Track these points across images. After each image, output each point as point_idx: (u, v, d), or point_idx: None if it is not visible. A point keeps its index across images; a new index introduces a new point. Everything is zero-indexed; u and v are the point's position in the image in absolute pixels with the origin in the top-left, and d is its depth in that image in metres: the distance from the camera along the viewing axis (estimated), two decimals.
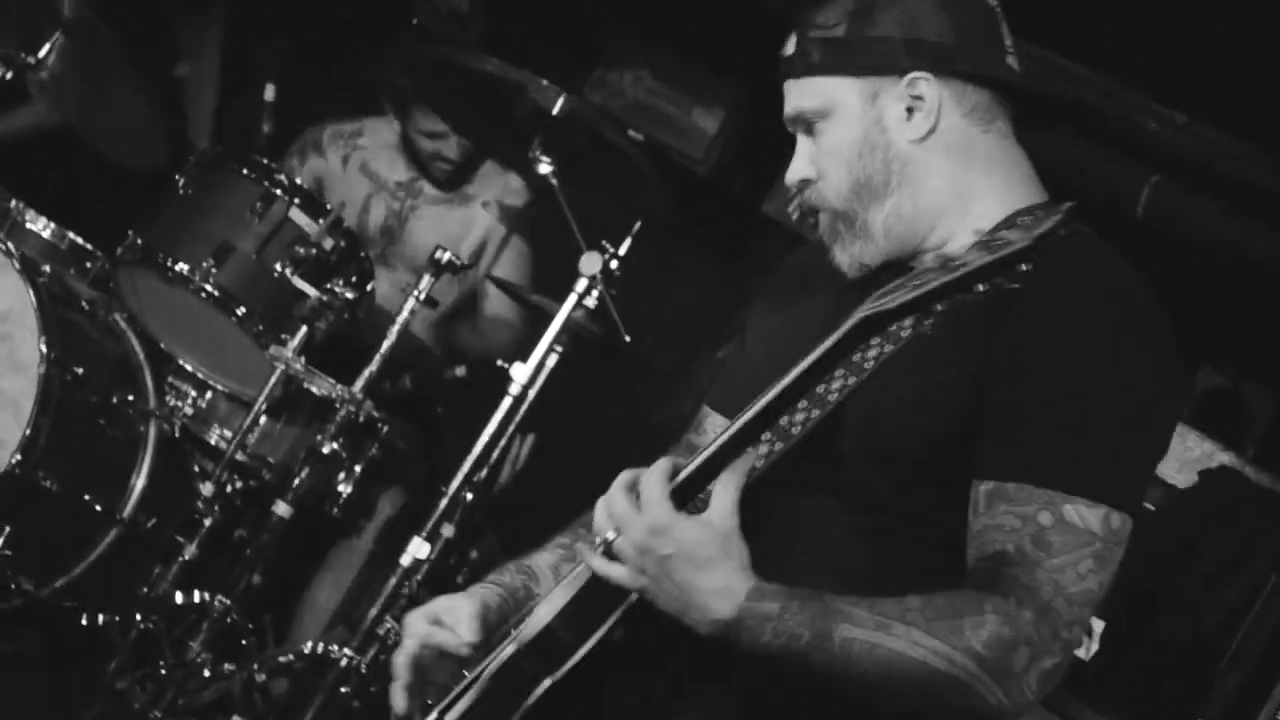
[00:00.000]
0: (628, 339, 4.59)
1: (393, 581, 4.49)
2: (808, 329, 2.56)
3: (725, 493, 2.36)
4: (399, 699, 2.69)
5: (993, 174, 2.61)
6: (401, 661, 2.70)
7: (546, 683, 2.44)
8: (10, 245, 4.71)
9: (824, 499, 2.49)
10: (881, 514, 2.48)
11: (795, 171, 2.66)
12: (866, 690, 2.32)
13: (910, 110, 2.58)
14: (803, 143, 2.66)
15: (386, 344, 4.70)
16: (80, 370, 4.64)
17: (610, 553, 2.43)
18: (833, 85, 2.59)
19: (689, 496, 2.41)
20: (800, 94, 2.63)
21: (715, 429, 2.78)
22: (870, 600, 2.34)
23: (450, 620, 2.69)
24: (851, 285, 2.62)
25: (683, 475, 2.40)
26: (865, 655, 2.30)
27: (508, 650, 2.53)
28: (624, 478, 2.45)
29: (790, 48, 2.65)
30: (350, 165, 5.65)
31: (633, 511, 2.39)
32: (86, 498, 4.70)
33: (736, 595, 2.32)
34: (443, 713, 2.63)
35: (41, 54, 4.96)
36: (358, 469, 4.89)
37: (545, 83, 4.41)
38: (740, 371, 2.82)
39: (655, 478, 2.39)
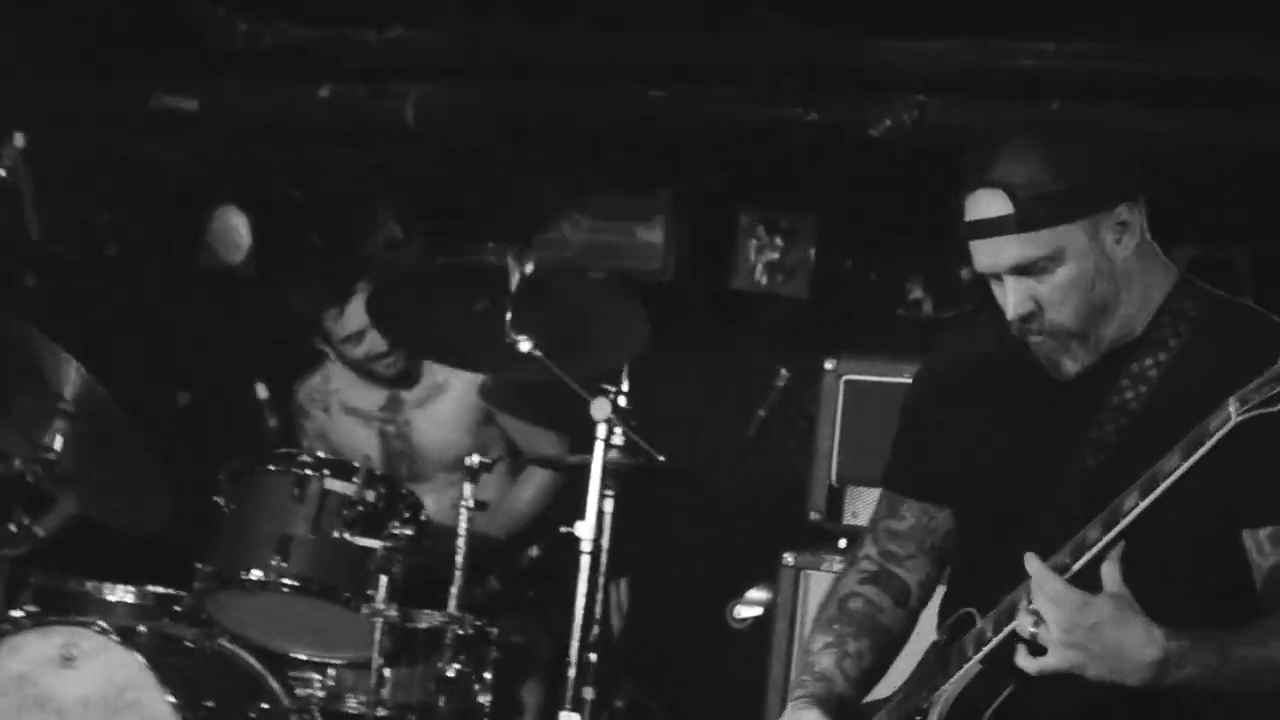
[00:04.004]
0: (661, 459, 4.85)
1: None
2: (1014, 424, 3.13)
3: (1114, 570, 2.78)
4: None
5: (1158, 268, 3.09)
6: None
7: None
8: (102, 623, 4.98)
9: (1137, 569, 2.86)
10: (1181, 578, 2.97)
11: (1020, 307, 3.01)
12: (1254, 687, 2.85)
13: (1117, 234, 3.00)
14: (1016, 282, 3.00)
15: (459, 557, 4.97)
16: (211, 703, 4.89)
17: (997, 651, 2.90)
18: (1063, 232, 2.95)
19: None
20: (1026, 246, 2.96)
21: (912, 514, 3.30)
22: (1238, 627, 2.85)
23: None
24: (1041, 383, 3.09)
25: (1071, 572, 2.83)
26: (1259, 665, 2.82)
27: None
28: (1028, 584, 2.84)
29: (992, 209, 2.97)
30: (333, 411, 5.87)
31: (1050, 604, 2.77)
32: None
33: (1158, 640, 2.75)
34: None
35: (56, 446, 5.26)
36: (488, 676, 5.13)
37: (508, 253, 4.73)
38: (933, 459, 3.27)
39: (1050, 579, 2.78)
